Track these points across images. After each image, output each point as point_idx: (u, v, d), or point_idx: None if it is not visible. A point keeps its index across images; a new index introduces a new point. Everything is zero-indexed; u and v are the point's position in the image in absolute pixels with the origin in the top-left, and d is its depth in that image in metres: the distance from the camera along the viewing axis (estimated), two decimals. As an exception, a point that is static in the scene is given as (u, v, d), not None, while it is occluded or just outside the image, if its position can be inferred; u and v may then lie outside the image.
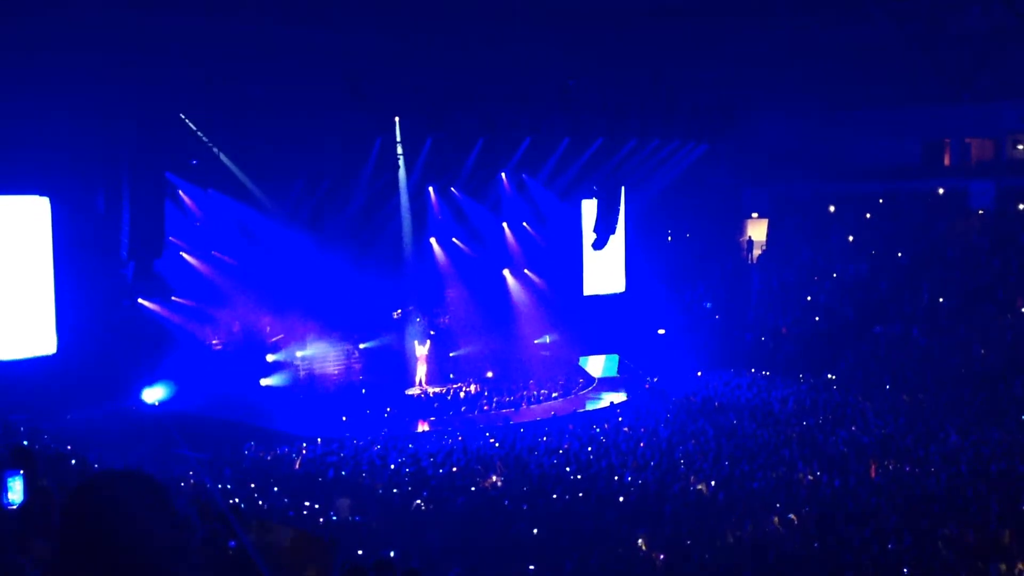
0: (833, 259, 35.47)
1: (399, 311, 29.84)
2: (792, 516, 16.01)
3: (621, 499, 17.17)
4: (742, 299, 35.54)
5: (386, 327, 29.23)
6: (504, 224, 31.99)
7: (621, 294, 34.10)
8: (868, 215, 36.33)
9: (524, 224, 32.41)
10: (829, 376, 29.49)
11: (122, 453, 18.38)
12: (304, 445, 21.57)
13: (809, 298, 34.41)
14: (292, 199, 27.60)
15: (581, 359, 31.84)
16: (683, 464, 19.32)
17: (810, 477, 18.38)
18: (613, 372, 31.63)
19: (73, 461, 15.14)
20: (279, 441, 22.08)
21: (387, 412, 25.94)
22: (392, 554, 13.29)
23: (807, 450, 20.51)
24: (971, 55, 32.48)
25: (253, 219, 26.79)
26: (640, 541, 14.79)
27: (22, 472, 5.33)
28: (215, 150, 25.37)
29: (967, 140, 36.84)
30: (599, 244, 30.94)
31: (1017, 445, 20.51)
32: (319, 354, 27.95)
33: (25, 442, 16.43)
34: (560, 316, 31.91)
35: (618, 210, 30.93)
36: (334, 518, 16.28)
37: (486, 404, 27.50)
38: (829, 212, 37.28)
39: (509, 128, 29.47)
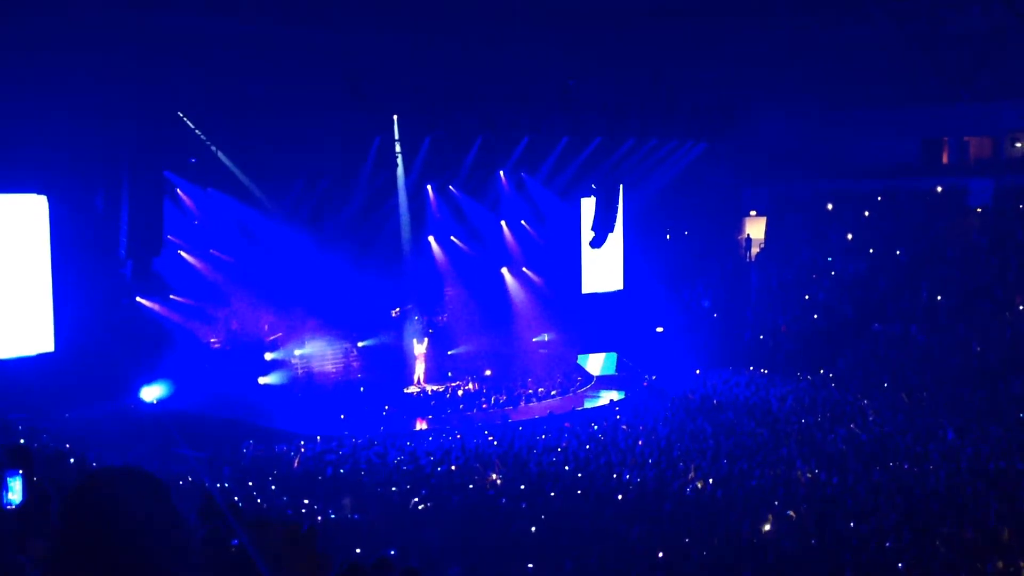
0: (832, 257, 35.49)
1: (397, 309, 29.84)
2: (791, 513, 16.03)
3: (620, 497, 17.19)
4: (741, 297, 35.55)
5: (384, 325, 29.22)
6: (503, 222, 31.97)
7: (620, 292, 34.09)
8: (867, 213, 36.33)
9: (523, 222, 32.40)
10: (828, 374, 29.49)
11: (121, 452, 18.39)
12: (303, 443, 21.58)
13: (808, 297, 34.43)
14: (291, 198, 27.58)
15: (580, 357, 31.84)
16: (682, 462, 19.33)
17: (809, 475, 18.40)
18: (612, 370, 31.63)
19: (72, 460, 15.15)
20: (278, 439, 22.08)
21: (386, 410, 25.94)
22: (392, 552, 13.29)
23: (806, 448, 20.53)
24: (970, 54, 32.47)
25: (252, 218, 26.78)
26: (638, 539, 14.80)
27: (21, 472, 5.33)
28: (214, 149, 25.36)
29: (966, 139, 36.86)
30: (597, 242, 30.93)
31: (1016, 443, 20.53)
32: (318, 352, 27.94)
33: (22, 440, 16.46)
34: (559, 314, 31.90)
35: (617, 208, 30.91)
36: (332, 516, 16.28)
37: (485, 402, 27.50)
38: (828, 210, 37.27)
39: (508, 127, 29.45)
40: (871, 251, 34.91)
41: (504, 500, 17.00)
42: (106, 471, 2.36)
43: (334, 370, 28.28)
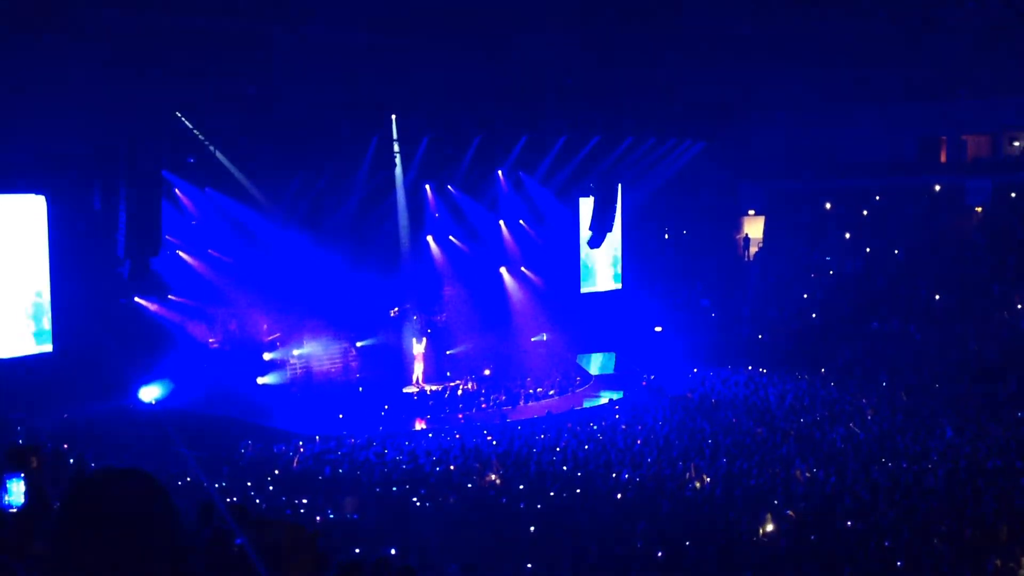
0: (830, 256, 35.50)
1: (396, 309, 29.83)
2: (790, 512, 16.04)
3: (619, 496, 17.19)
4: (739, 296, 35.57)
5: (383, 325, 29.21)
6: (501, 222, 31.97)
7: (618, 291, 34.09)
8: (864, 211, 36.37)
9: (521, 222, 32.41)
10: (826, 373, 29.50)
11: (119, 451, 18.38)
12: (301, 443, 21.56)
13: (806, 295, 34.45)
14: (289, 197, 27.56)
15: (580, 357, 31.81)
16: (680, 462, 19.33)
17: (807, 474, 18.41)
18: (610, 370, 31.63)
19: (71, 460, 15.15)
20: (276, 439, 22.06)
21: (384, 410, 25.93)
22: (392, 552, 13.30)
23: (804, 447, 20.54)
24: (968, 51, 32.47)
25: (250, 217, 26.76)
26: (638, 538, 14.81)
27: (22, 474, 5.33)
28: (212, 148, 25.33)
29: (963, 137, 36.88)
30: (596, 241, 30.94)
31: (1013, 441, 20.56)
32: (316, 352, 27.93)
33: (20, 441, 16.46)
34: (557, 314, 31.90)
35: (615, 207, 30.92)
36: (331, 516, 16.28)
37: (483, 402, 27.49)
38: (825, 208, 37.31)
39: (506, 126, 29.45)
40: (869, 250, 34.94)
41: (503, 499, 17.00)
42: (105, 471, 2.35)
43: (332, 370, 28.27)
